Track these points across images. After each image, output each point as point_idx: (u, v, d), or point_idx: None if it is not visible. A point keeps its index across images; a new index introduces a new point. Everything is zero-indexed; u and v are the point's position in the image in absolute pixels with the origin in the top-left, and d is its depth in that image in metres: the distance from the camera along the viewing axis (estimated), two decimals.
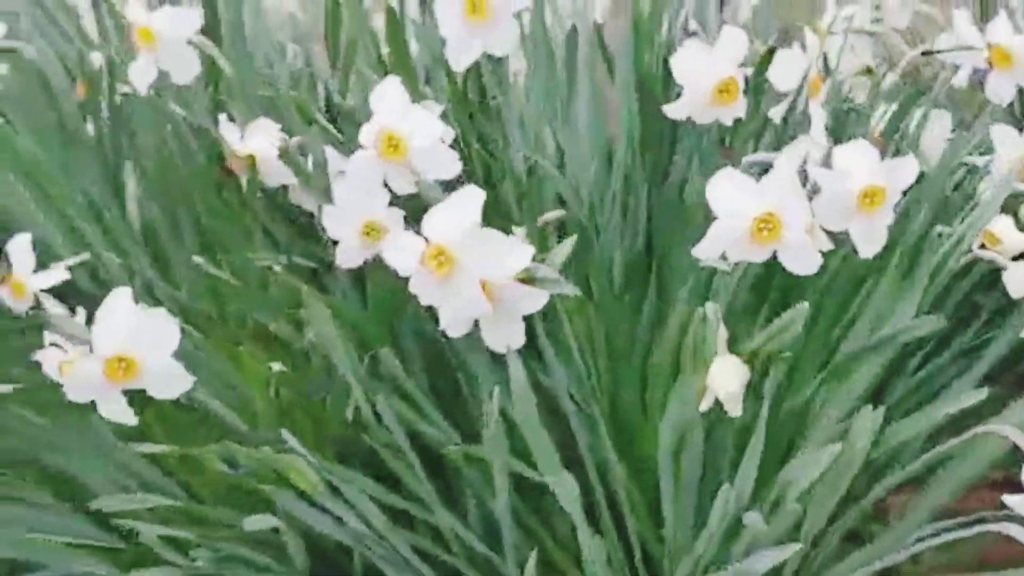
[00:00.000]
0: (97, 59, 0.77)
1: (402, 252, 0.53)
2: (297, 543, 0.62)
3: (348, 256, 0.64)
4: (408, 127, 0.55)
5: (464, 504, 0.65)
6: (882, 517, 0.64)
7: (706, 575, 0.61)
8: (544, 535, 0.64)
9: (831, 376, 0.60)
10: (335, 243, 0.64)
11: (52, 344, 0.59)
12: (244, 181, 0.69)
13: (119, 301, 0.51)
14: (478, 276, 0.52)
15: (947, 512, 0.60)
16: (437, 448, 0.63)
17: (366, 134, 0.56)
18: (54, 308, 0.63)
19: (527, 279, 0.54)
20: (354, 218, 0.62)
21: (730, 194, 0.52)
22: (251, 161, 0.69)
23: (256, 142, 0.69)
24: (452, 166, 0.56)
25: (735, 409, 0.56)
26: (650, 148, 0.69)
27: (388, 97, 0.55)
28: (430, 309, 0.55)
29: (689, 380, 0.57)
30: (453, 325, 0.56)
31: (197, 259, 0.67)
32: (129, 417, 0.54)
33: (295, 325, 0.66)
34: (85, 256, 0.71)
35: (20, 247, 0.67)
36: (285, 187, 0.70)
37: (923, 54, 0.86)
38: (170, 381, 0.52)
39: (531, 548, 0.59)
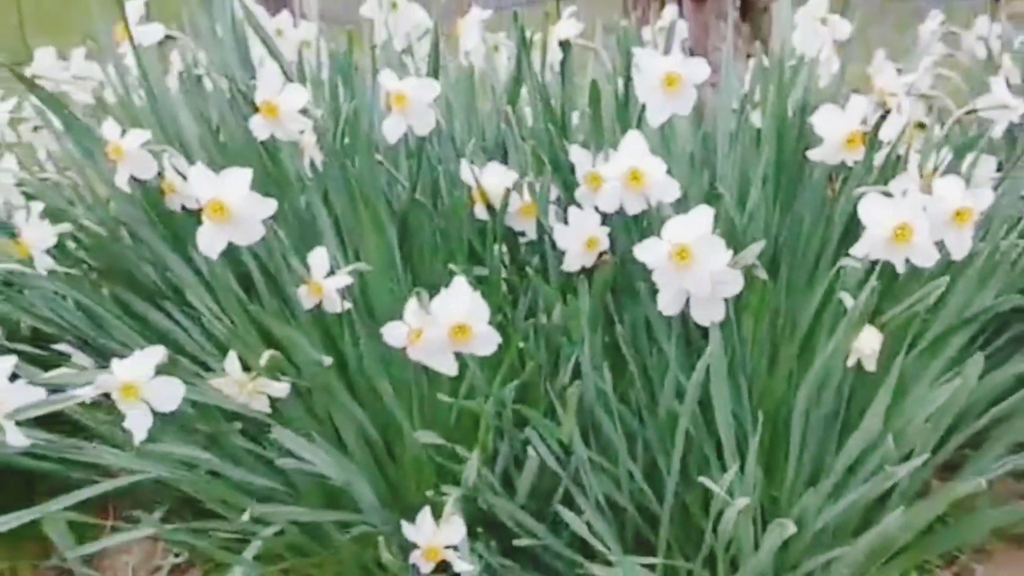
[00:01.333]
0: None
1: (649, 251, 0.76)
2: None
3: (574, 261, 0.88)
4: (647, 167, 0.79)
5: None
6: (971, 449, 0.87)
7: (829, 500, 0.84)
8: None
9: (934, 342, 0.83)
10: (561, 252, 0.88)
11: None
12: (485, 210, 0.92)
13: (458, 288, 0.74)
14: (707, 266, 0.75)
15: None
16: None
17: (614, 170, 0.80)
18: None
19: None
20: (583, 233, 0.86)
21: (876, 211, 0.76)
22: (483, 196, 0.93)
23: (490, 180, 0.93)
24: (673, 193, 0.80)
25: (871, 365, 0.80)
26: (785, 182, 0.93)
27: (633, 143, 0.79)
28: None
29: (840, 343, 0.80)
30: (670, 305, 0.80)
31: (453, 267, 0.90)
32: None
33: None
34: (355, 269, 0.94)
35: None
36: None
37: (968, 112, 1.11)
38: (489, 342, 0.75)
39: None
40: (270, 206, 0.76)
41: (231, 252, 0.85)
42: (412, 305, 0.76)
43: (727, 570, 0.90)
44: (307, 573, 1.00)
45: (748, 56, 1.30)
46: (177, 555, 1.45)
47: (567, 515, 0.85)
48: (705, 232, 0.74)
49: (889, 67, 1.20)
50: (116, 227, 1.04)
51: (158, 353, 0.72)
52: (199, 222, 0.99)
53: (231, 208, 0.75)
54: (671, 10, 1.29)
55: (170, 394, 0.72)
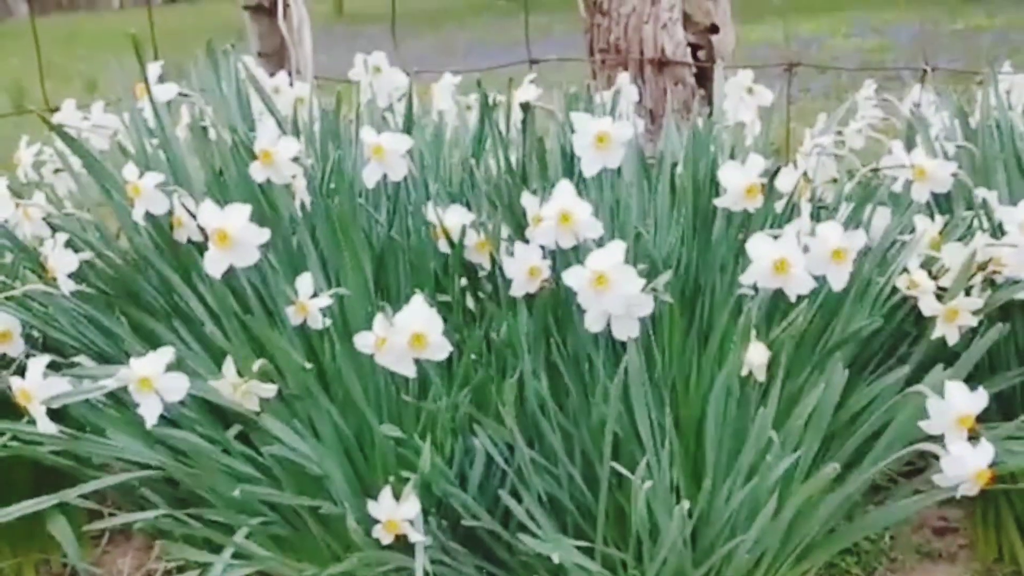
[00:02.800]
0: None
1: (574, 277, 0.92)
2: None
3: (519, 287, 1.04)
4: (577, 210, 0.96)
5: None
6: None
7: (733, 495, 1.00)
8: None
9: (819, 361, 1.00)
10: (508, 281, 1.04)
11: None
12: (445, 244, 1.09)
13: (416, 304, 0.91)
14: (622, 290, 0.92)
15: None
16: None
17: (549, 211, 0.97)
18: None
19: None
20: (525, 264, 1.03)
21: (761, 247, 0.93)
22: (445, 233, 1.10)
23: (452, 220, 1.10)
24: (597, 231, 0.97)
25: (761, 375, 0.96)
26: (701, 225, 1.10)
27: (563, 193, 0.97)
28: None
29: (736, 358, 0.96)
30: (595, 322, 0.96)
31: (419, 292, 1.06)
32: None
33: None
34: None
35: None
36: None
37: (872, 170, 1.29)
38: (442, 349, 0.91)
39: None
40: (264, 234, 0.93)
41: (230, 279, 1.01)
42: (380, 319, 0.92)
43: (651, 553, 1.05)
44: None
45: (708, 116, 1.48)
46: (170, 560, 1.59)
47: (509, 501, 1.00)
48: (619, 262, 0.91)
49: (806, 132, 1.39)
50: (129, 256, 1.21)
51: (168, 353, 0.88)
52: (201, 252, 1.17)
53: (232, 235, 0.91)
54: (624, 76, 1.47)
55: (177, 386, 0.87)
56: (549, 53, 2.13)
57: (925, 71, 1.84)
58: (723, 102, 1.39)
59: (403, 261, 1.13)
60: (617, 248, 0.92)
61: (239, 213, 0.92)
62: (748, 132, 1.31)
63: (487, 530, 1.06)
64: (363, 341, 0.93)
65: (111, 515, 1.32)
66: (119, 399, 1.10)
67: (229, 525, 1.10)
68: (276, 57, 1.90)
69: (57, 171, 1.50)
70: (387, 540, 0.93)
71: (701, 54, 1.94)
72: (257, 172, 1.05)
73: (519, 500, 1.05)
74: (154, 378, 0.86)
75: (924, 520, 1.43)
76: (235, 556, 1.07)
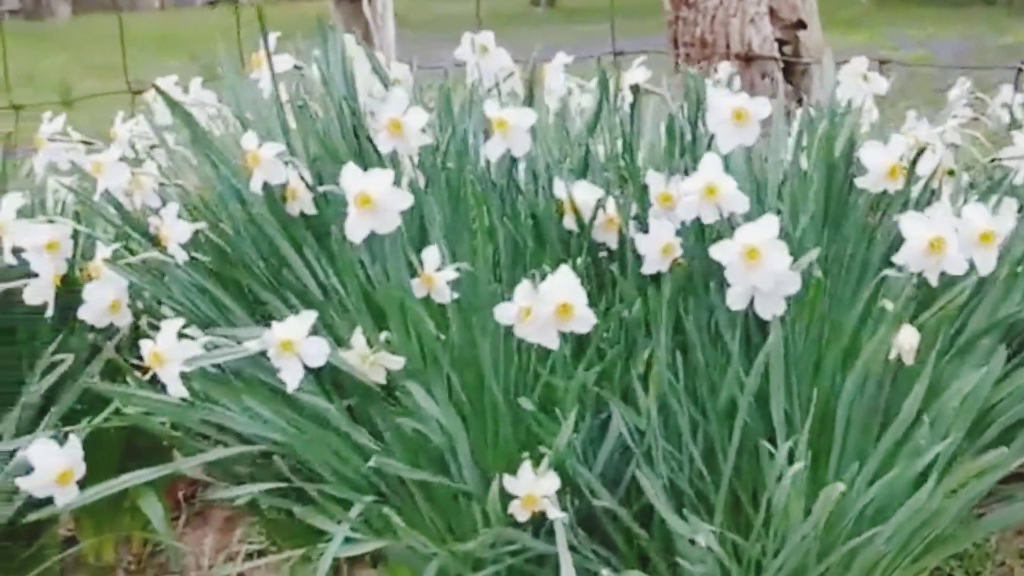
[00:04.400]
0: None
1: (723, 251, 0.90)
2: None
3: (651, 265, 1.02)
4: (723, 184, 0.94)
5: None
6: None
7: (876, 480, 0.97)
8: None
9: (965, 345, 0.97)
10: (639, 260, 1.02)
11: None
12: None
13: (563, 273, 0.88)
14: (772, 265, 0.89)
15: None
16: None
17: (693, 185, 0.95)
18: None
19: None
20: (660, 241, 1.00)
21: (916, 226, 0.91)
22: (574, 209, 1.08)
23: (580, 196, 1.08)
24: (743, 205, 0.95)
25: (910, 359, 0.93)
26: (832, 209, 1.07)
27: (710, 166, 0.95)
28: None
29: (882, 341, 0.94)
30: (738, 300, 0.93)
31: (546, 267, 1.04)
32: None
33: None
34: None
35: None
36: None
37: (992, 160, 1.26)
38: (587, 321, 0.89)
39: None
40: (408, 199, 0.91)
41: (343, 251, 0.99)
42: (522, 288, 0.90)
43: (776, 543, 1.02)
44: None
45: (787, 113, 1.45)
46: (252, 542, 1.57)
47: (644, 483, 0.97)
48: (772, 236, 0.88)
49: (923, 121, 1.36)
50: (239, 227, 1.19)
51: (310, 317, 0.86)
52: (310, 226, 1.15)
53: (376, 199, 0.89)
54: (726, 66, 1.45)
55: (318, 351, 0.85)
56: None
57: (1021, 70, 1.80)
58: (832, 89, 1.36)
59: (522, 238, 1.11)
60: (770, 222, 0.89)
61: (382, 177, 0.90)
62: (865, 119, 1.29)
63: (607, 512, 1.04)
64: (505, 313, 0.91)
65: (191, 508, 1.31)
66: (234, 371, 1.08)
67: (341, 502, 1.08)
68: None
69: (153, 147, 1.49)
70: (523, 517, 0.91)
71: (787, 49, 1.92)
72: (384, 142, 1.04)
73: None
74: (297, 342, 0.84)
75: None
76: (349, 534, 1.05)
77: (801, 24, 1.92)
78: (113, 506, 1.44)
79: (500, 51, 1.40)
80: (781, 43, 1.92)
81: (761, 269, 0.89)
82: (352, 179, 0.90)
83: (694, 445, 1.04)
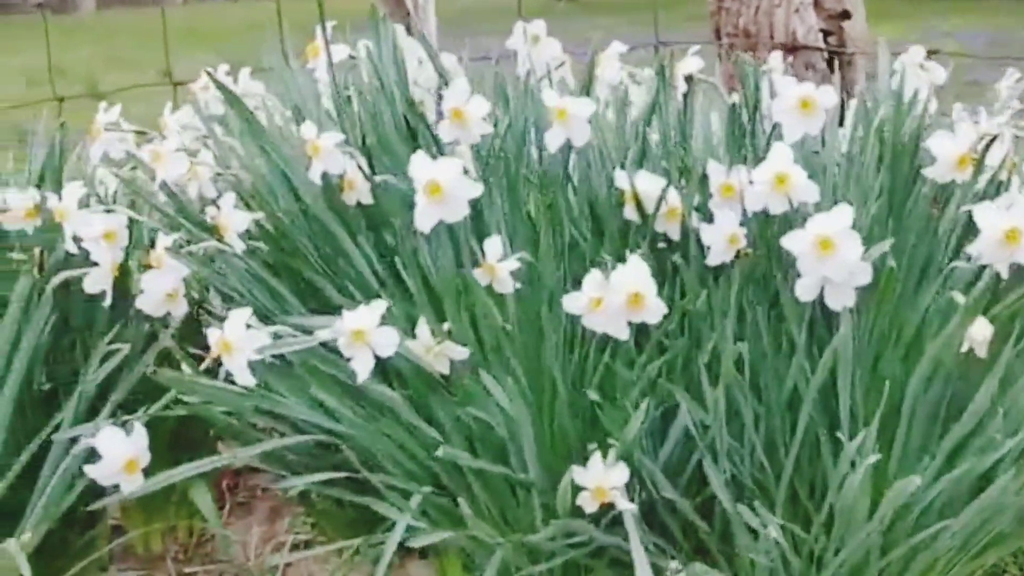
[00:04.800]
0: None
1: (795, 241, 0.89)
2: None
3: (716, 256, 1.01)
4: (793, 173, 0.93)
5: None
6: None
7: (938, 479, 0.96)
8: None
9: None
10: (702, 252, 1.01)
11: None
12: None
13: (635, 263, 0.88)
14: (846, 256, 0.88)
15: None
16: None
17: (762, 175, 0.94)
18: None
19: None
20: (726, 231, 0.99)
21: (991, 217, 0.89)
22: (636, 199, 1.07)
23: (642, 186, 1.07)
24: (814, 195, 0.94)
25: (983, 352, 0.92)
26: (896, 200, 1.06)
27: (779, 155, 0.93)
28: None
29: (951, 334, 0.92)
30: (807, 291, 0.92)
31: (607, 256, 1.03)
32: None
33: None
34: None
35: None
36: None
37: None
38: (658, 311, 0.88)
39: None
40: (478, 188, 0.91)
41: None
42: (592, 278, 0.89)
43: (837, 543, 1.01)
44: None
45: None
46: (298, 532, 1.57)
47: (711, 475, 0.96)
48: (846, 226, 0.88)
49: (981, 112, 1.34)
50: (294, 218, 1.19)
51: (381, 306, 0.86)
52: (367, 216, 1.15)
53: (445, 188, 0.89)
54: (777, 55, 1.44)
55: (389, 341, 0.85)
56: None
57: None
58: (888, 79, 1.35)
59: (582, 229, 1.10)
60: (844, 212, 0.88)
61: (452, 165, 0.89)
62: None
63: (667, 505, 1.03)
64: (574, 303, 0.90)
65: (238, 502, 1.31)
66: (290, 361, 1.08)
67: (399, 492, 1.08)
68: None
69: (205, 138, 1.49)
70: (591, 508, 0.90)
71: (832, 40, 1.90)
72: (446, 131, 1.03)
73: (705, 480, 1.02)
74: (368, 331, 0.84)
75: None
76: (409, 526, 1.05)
77: (846, 14, 1.90)
78: (162, 496, 1.44)
79: (552, 40, 1.39)
80: (825, 33, 1.90)
81: (834, 260, 0.88)
82: (421, 168, 0.90)
83: (756, 438, 1.03)
